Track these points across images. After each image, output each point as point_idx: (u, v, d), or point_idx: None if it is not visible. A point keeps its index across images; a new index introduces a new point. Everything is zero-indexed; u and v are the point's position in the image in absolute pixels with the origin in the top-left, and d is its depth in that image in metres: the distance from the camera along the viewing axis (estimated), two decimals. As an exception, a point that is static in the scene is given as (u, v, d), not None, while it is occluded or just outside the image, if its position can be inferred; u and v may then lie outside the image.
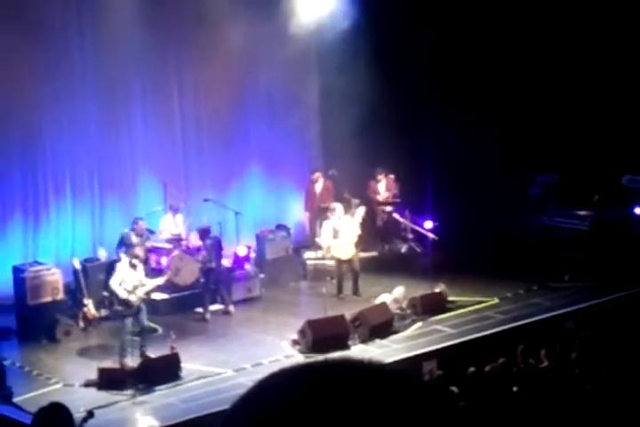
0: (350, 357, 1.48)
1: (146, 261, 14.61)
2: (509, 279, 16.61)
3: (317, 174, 18.68)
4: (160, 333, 14.50)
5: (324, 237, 16.31)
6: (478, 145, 17.70)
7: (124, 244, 15.48)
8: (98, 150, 17.31)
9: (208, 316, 15.49)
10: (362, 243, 16.81)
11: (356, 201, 18.20)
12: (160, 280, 14.08)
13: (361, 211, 16.39)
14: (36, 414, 7.61)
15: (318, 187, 18.69)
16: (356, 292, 16.23)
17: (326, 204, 17.94)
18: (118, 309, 13.57)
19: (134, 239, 15.47)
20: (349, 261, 16.22)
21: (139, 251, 14.02)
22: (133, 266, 13.58)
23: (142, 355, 13.42)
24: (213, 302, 15.80)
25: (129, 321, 13.42)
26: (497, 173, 18.09)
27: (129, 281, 13.46)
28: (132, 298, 13.42)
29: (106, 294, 15.41)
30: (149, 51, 17.40)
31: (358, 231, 16.25)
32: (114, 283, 13.49)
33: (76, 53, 16.93)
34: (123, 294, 13.38)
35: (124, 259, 13.77)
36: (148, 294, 13.95)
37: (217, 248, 15.81)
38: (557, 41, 18.78)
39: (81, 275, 15.07)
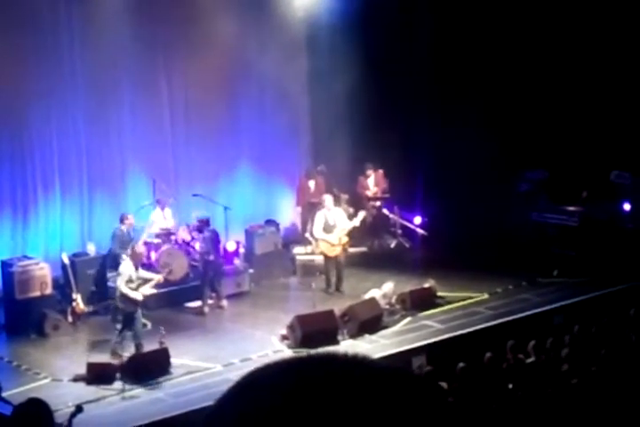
0: (337, 351, 1.47)
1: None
2: (498, 275, 16.63)
3: (315, 171, 18.80)
4: (149, 328, 14.48)
5: (315, 228, 16.32)
6: (468, 141, 17.71)
7: (118, 240, 15.54)
8: (86, 146, 17.27)
9: (206, 309, 15.48)
10: (351, 239, 16.80)
11: (345, 196, 18.26)
12: (159, 277, 14.06)
13: (361, 215, 16.35)
14: (15, 410, 7.59)
15: (313, 183, 18.75)
16: (338, 287, 16.23)
17: (317, 199, 17.99)
18: (123, 306, 13.53)
19: (125, 234, 15.53)
20: (336, 257, 16.24)
21: (139, 248, 14.01)
22: (136, 265, 13.60)
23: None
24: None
25: (138, 316, 13.46)
26: (486, 170, 18.09)
27: (135, 280, 13.49)
28: (139, 296, 13.46)
29: (94, 288, 15.43)
30: (138, 46, 17.35)
31: (349, 231, 16.24)
32: (121, 285, 13.46)
33: (64, 49, 16.87)
34: (132, 294, 13.38)
35: (127, 258, 13.79)
36: (153, 288, 13.91)
37: (214, 241, 15.78)
38: (546, 39, 18.80)
39: (69, 270, 15.09)
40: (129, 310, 13.48)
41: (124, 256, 14.97)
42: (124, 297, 13.43)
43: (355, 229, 16.43)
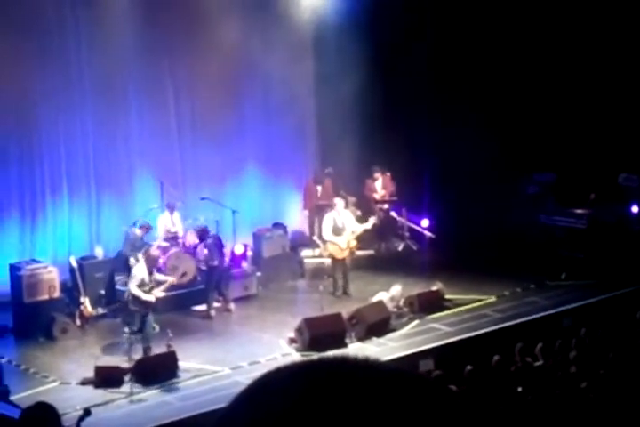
0: (348, 355, 1.47)
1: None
2: (506, 277, 16.61)
3: (322, 174, 18.86)
4: (157, 331, 14.49)
5: (324, 230, 16.34)
6: (476, 144, 17.69)
7: (129, 243, 15.55)
8: (94, 148, 17.29)
9: (213, 313, 15.51)
10: (359, 242, 16.79)
11: (353, 199, 18.26)
12: (173, 279, 14.09)
13: (371, 221, 16.36)
14: (22, 414, 7.61)
15: (320, 187, 18.78)
16: (346, 290, 16.24)
17: (325, 202, 18.01)
18: (134, 308, 13.54)
19: (138, 238, 15.57)
20: (342, 259, 16.25)
21: (154, 251, 14.04)
22: (150, 268, 13.61)
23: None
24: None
25: (150, 318, 13.47)
26: (494, 172, 18.08)
27: (147, 282, 13.50)
28: (151, 298, 13.47)
29: (102, 292, 15.44)
30: (144, 48, 17.36)
31: (359, 233, 16.24)
32: (133, 287, 13.48)
33: (71, 51, 16.90)
34: (144, 297, 13.40)
35: (141, 261, 13.80)
36: (164, 291, 13.93)
37: (218, 246, 15.81)
38: (554, 40, 18.78)
39: (78, 273, 15.11)
40: (141, 313, 13.49)
41: (132, 260, 14.99)
42: (136, 299, 13.43)
43: (363, 232, 16.44)
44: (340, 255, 16.19)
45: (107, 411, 11.88)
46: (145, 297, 13.40)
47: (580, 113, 18.87)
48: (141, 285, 13.44)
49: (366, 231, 16.50)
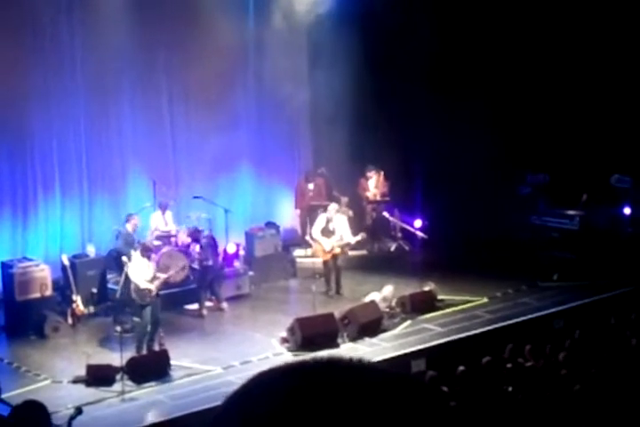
0: (340, 356, 1.48)
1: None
2: (498, 278, 16.63)
3: (315, 173, 18.85)
4: (149, 330, 14.48)
5: (314, 229, 16.36)
6: (469, 144, 17.71)
7: (123, 239, 15.54)
8: (87, 147, 17.28)
9: (205, 312, 15.51)
10: (343, 252, 16.81)
11: (345, 199, 18.27)
12: (172, 273, 14.15)
13: (359, 236, 16.39)
14: (12, 413, 7.58)
15: (312, 185, 18.77)
16: (338, 290, 16.25)
17: (317, 202, 18.00)
18: (137, 299, 13.55)
19: (130, 234, 15.56)
20: (333, 258, 16.25)
21: (150, 244, 14.08)
22: (147, 258, 13.64)
23: (149, 348, 13.50)
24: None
25: (147, 312, 13.48)
26: (487, 173, 18.09)
27: (146, 272, 13.54)
28: (152, 287, 13.51)
29: (94, 290, 15.41)
30: (138, 48, 17.37)
31: (344, 243, 16.27)
32: (133, 274, 13.57)
33: (65, 49, 16.88)
34: (143, 285, 13.44)
35: (137, 252, 13.85)
36: (163, 284, 13.97)
37: (212, 246, 15.80)
38: (548, 41, 18.80)
39: (69, 271, 15.08)
40: (143, 303, 13.50)
41: (125, 258, 15.00)
42: (138, 288, 13.46)
43: (348, 244, 16.49)
44: (323, 257, 16.23)
45: (98, 410, 11.86)
46: (144, 285, 13.43)
47: (572, 114, 18.89)
48: (141, 274, 13.49)
49: (350, 244, 16.57)
